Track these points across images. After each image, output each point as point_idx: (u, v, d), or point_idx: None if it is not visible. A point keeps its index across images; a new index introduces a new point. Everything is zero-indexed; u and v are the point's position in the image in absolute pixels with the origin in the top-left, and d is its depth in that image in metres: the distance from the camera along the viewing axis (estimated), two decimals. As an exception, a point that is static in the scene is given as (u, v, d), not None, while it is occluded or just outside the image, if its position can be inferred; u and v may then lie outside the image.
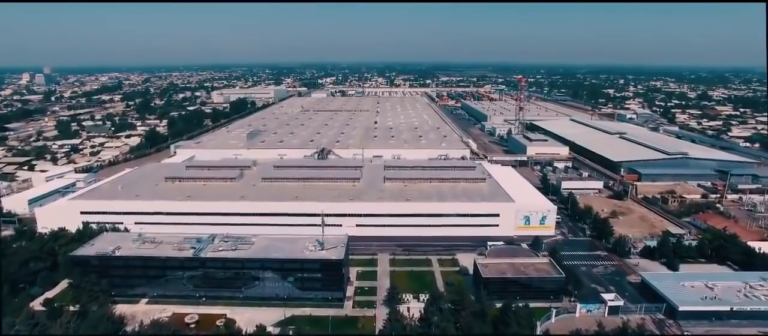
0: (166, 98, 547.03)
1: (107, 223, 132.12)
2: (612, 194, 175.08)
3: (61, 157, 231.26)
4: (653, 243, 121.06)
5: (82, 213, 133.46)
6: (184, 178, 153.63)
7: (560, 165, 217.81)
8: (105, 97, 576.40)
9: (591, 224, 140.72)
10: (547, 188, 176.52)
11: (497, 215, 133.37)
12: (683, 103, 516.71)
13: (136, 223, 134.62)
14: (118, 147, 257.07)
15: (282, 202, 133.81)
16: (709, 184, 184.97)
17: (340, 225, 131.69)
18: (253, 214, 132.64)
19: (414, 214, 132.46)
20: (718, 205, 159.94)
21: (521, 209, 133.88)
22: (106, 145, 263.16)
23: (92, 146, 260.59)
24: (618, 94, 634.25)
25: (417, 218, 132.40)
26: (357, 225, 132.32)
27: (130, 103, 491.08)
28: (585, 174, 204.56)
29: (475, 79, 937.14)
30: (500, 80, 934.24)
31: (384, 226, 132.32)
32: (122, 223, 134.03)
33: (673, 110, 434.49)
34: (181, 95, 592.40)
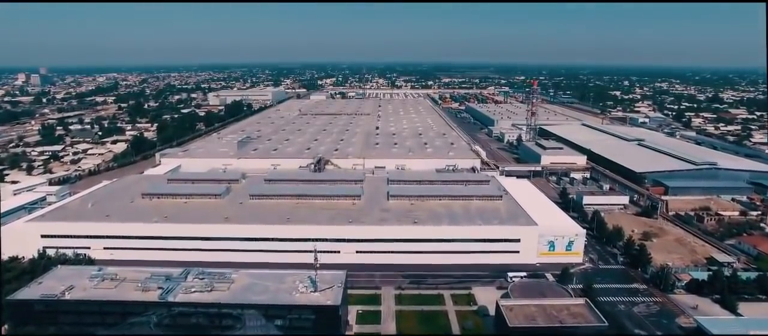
0: (160, 100, 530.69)
1: (72, 248, 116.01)
2: (639, 211, 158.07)
3: (39, 166, 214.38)
4: (703, 275, 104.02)
5: (42, 237, 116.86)
6: (163, 195, 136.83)
7: (578, 176, 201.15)
8: (99, 99, 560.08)
9: (623, 249, 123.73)
10: (567, 204, 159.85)
11: (518, 240, 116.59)
12: (694, 106, 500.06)
13: (105, 249, 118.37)
14: (101, 154, 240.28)
15: (271, 226, 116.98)
16: (744, 198, 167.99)
17: (338, 251, 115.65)
18: (238, 239, 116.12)
19: (423, 239, 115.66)
20: (762, 224, 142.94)
21: (545, 233, 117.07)
22: (89, 152, 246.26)
23: (74, 153, 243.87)
24: (625, 97, 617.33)
25: (426, 244, 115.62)
26: (357, 251, 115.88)
27: (123, 105, 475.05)
28: (606, 186, 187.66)
29: (477, 81, 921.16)
30: (503, 81, 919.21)
31: (388, 252, 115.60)
32: (89, 248, 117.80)
33: (687, 114, 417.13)
34: (176, 97, 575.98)
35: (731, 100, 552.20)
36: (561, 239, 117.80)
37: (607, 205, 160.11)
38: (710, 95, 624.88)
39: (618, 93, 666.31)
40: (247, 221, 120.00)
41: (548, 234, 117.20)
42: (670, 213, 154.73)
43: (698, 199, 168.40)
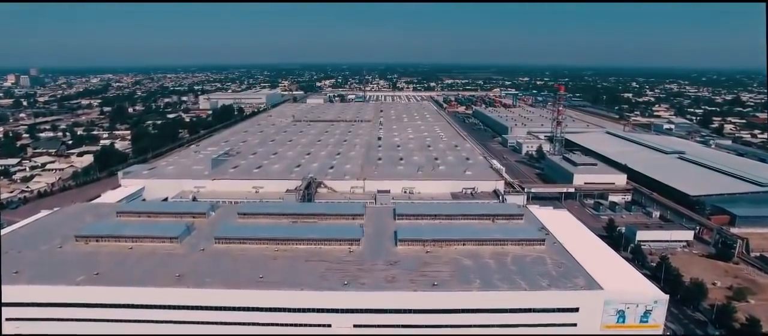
0: (147, 104, 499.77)
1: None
2: (711, 252, 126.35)
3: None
4: None
5: None
6: (102, 238, 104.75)
7: (617, 199, 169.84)
8: (84, 102, 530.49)
9: (716, 317, 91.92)
10: (615, 240, 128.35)
11: (576, 310, 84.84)
12: (716, 109, 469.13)
13: (7, 320, 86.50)
14: (61, 170, 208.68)
15: (236, 291, 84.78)
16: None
17: (329, 325, 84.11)
18: (190, 308, 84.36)
19: (447, 310, 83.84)
20: None
21: (613, 299, 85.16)
22: (48, 166, 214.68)
23: (32, 168, 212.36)
24: (639, 100, 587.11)
25: (451, 316, 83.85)
26: (355, 326, 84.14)
27: (108, 109, 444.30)
28: (655, 213, 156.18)
29: (481, 82, 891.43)
30: (507, 83, 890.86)
31: (398, 326, 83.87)
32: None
33: (714, 119, 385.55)
34: (166, 100, 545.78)
35: (753, 103, 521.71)
36: (634, 307, 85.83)
37: (667, 241, 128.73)
38: (727, 97, 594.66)
39: (629, 95, 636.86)
40: (205, 280, 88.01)
41: (617, 300, 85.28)
42: (753, 254, 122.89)
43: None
